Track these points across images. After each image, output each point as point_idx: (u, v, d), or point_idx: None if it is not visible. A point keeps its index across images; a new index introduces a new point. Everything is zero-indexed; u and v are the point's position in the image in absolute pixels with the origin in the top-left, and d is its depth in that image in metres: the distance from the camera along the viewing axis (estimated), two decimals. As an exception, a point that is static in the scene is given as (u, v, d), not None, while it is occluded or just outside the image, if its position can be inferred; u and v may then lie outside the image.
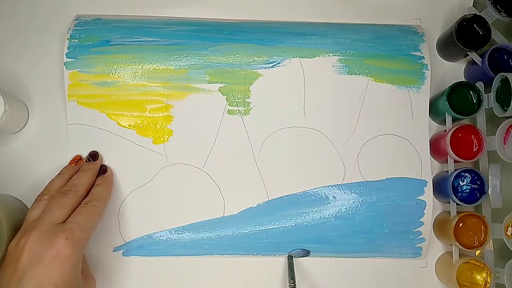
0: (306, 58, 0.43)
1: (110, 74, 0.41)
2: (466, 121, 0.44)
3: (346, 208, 0.42)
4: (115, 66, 0.41)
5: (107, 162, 0.42)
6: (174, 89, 0.42)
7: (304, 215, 0.42)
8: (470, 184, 0.41)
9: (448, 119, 0.42)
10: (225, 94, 0.42)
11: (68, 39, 0.42)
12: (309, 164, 0.43)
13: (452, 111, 0.41)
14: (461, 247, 0.40)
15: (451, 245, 0.42)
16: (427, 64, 0.43)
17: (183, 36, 0.42)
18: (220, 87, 0.42)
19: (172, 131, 0.42)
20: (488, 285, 0.40)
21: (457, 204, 0.41)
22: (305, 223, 0.42)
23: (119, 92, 0.42)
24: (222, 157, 0.42)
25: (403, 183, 0.42)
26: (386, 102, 0.43)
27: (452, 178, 0.41)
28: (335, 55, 0.43)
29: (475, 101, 0.42)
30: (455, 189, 0.41)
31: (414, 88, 0.43)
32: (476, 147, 0.41)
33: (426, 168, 0.43)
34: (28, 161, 0.43)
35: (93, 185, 0.39)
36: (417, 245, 0.43)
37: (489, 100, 0.42)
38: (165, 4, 0.45)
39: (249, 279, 0.43)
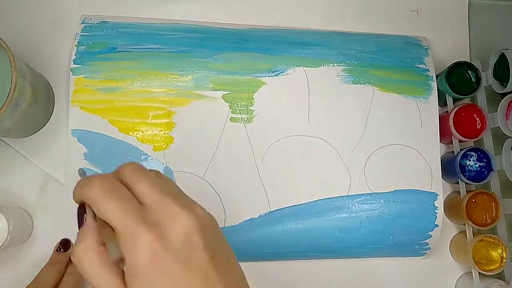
0: (311, 67, 0.42)
1: (115, 80, 0.41)
2: (466, 100, 0.45)
3: (351, 220, 0.40)
4: (120, 72, 0.42)
5: (106, 168, 0.40)
6: (177, 95, 0.42)
7: (307, 227, 0.40)
8: (476, 162, 0.41)
9: (449, 100, 0.43)
10: (228, 102, 0.42)
11: (76, 45, 0.42)
12: (313, 174, 0.41)
13: (452, 92, 0.42)
14: (474, 225, 0.40)
15: (463, 224, 0.41)
16: (432, 76, 0.43)
17: (188, 44, 0.43)
18: (223, 94, 0.42)
19: (173, 138, 0.41)
20: (504, 260, 0.40)
21: (465, 183, 0.41)
22: (308, 235, 0.40)
23: (123, 98, 0.41)
24: (224, 166, 0.41)
25: (412, 196, 0.41)
26: (394, 112, 0.42)
27: (459, 158, 0.41)
28: (339, 65, 0.43)
29: (473, 80, 0.43)
30: (463, 169, 0.41)
31: (421, 98, 0.42)
32: (479, 125, 0.42)
33: (437, 180, 0.41)
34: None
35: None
36: (421, 252, 0.42)
37: (487, 77, 0.43)
38: (165, 2, 0.46)
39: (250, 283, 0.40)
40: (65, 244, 0.39)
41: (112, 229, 0.23)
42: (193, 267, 0.22)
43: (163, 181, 0.25)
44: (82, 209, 0.25)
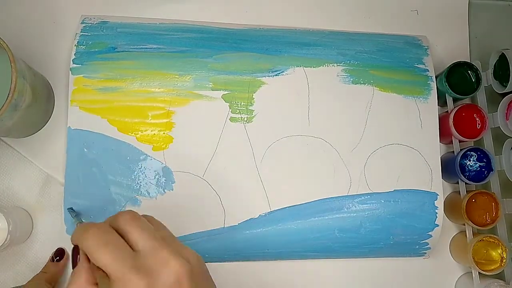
0: (311, 67, 0.42)
1: (114, 80, 0.41)
2: (466, 100, 0.45)
3: (351, 220, 0.40)
4: (119, 72, 0.42)
5: (105, 169, 0.40)
6: (177, 95, 0.42)
7: (307, 227, 0.40)
8: (476, 162, 0.41)
9: (449, 100, 0.43)
10: (228, 101, 0.42)
11: (75, 45, 0.42)
12: (314, 174, 0.41)
13: (452, 92, 0.42)
14: (474, 225, 0.40)
15: (463, 224, 0.41)
16: (431, 76, 0.43)
17: (188, 44, 0.43)
18: (223, 94, 0.42)
19: (173, 138, 0.41)
20: (504, 260, 0.39)
21: (465, 183, 0.41)
22: (308, 235, 0.40)
23: (122, 98, 0.41)
24: (224, 166, 0.41)
25: (412, 196, 0.41)
26: (393, 112, 0.42)
27: (459, 158, 0.41)
28: (339, 65, 0.43)
29: (473, 80, 0.43)
30: (463, 169, 0.41)
31: (421, 98, 0.42)
32: (479, 125, 0.42)
33: (437, 180, 0.41)
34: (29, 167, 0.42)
35: None
36: (421, 251, 0.41)
37: (487, 77, 0.43)
38: (165, 2, 0.46)
39: (251, 283, 0.40)
40: (60, 253, 0.39)
41: (105, 272, 0.24)
42: None
43: (156, 227, 0.28)
44: (77, 249, 0.27)
